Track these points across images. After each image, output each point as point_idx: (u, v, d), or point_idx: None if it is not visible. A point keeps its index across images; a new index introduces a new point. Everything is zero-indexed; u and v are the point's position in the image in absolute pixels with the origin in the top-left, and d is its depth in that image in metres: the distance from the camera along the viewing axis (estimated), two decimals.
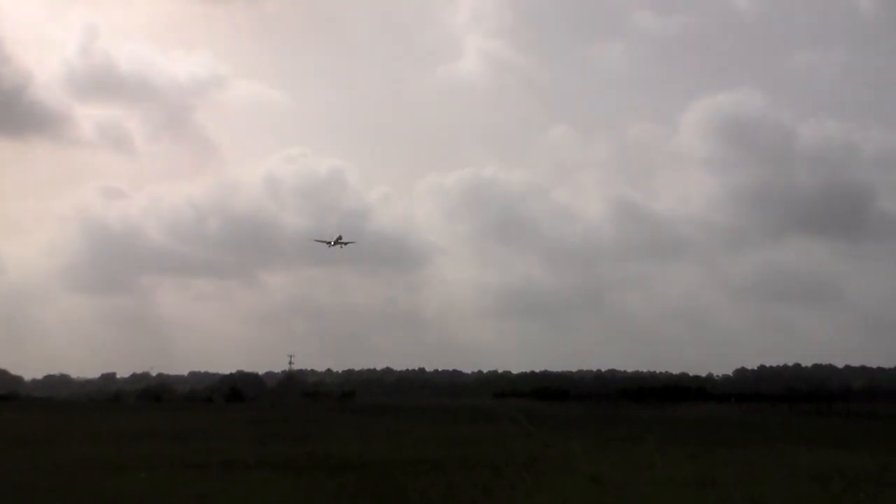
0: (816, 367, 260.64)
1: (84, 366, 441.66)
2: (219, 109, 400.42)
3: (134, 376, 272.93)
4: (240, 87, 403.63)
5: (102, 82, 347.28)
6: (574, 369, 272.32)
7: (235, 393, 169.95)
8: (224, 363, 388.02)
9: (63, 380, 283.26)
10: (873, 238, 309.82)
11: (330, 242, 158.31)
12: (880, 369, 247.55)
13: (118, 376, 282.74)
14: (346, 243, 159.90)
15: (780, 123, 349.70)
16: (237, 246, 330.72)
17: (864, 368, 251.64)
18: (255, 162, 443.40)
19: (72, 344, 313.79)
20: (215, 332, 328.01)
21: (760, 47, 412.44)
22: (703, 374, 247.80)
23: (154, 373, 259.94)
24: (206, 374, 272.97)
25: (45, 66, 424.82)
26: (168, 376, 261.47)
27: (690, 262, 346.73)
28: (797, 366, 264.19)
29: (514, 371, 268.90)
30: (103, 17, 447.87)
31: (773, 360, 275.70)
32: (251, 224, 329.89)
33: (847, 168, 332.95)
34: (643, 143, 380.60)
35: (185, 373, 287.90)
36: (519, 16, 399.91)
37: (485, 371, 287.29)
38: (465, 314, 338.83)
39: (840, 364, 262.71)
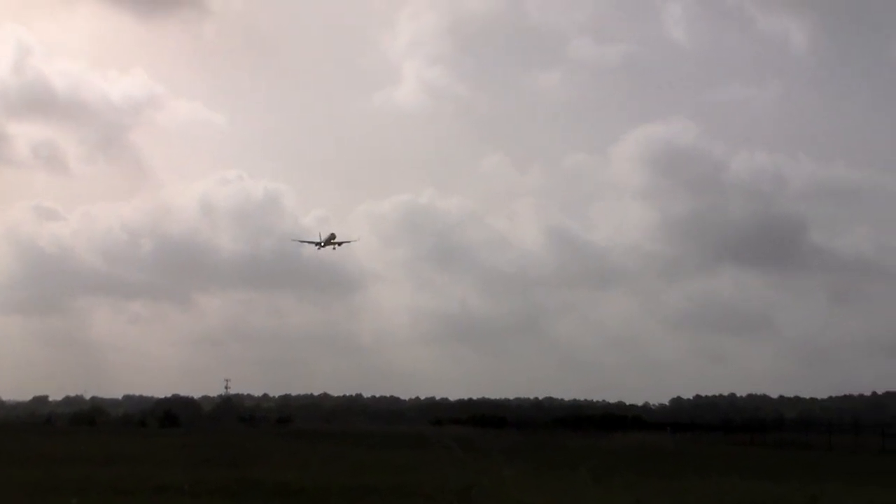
0: (751, 396, 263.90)
1: (15, 388, 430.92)
2: (154, 130, 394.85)
3: (67, 399, 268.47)
4: (176, 108, 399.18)
5: (36, 101, 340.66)
6: (511, 397, 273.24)
7: (170, 417, 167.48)
8: (159, 387, 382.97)
9: None
10: (805, 269, 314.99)
11: (319, 243, 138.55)
12: (813, 399, 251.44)
13: (50, 399, 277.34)
14: (340, 243, 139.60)
15: (712, 155, 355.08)
16: (172, 268, 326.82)
17: (797, 399, 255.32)
18: (191, 183, 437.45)
19: (2, 366, 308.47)
20: (150, 356, 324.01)
21: (694, 79, 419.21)
22: (640, 402, 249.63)
23: (87, 396, 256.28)
24: (141, 398, 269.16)
25: None
26: (102, 400, 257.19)
27: (626, 291, 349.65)
28: (732, 395, 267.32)
29: (452, 398, 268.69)
30: (36, 36, 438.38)
31: (709, 389, 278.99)
32: (186, 246, 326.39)
33: (778, 200, 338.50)
34: (578, 173, 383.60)
35: (120, 396, 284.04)
36: (457, 43, 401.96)
37: (422, 398, 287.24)
38: (403, 340, 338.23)
39: (774, 394, 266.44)
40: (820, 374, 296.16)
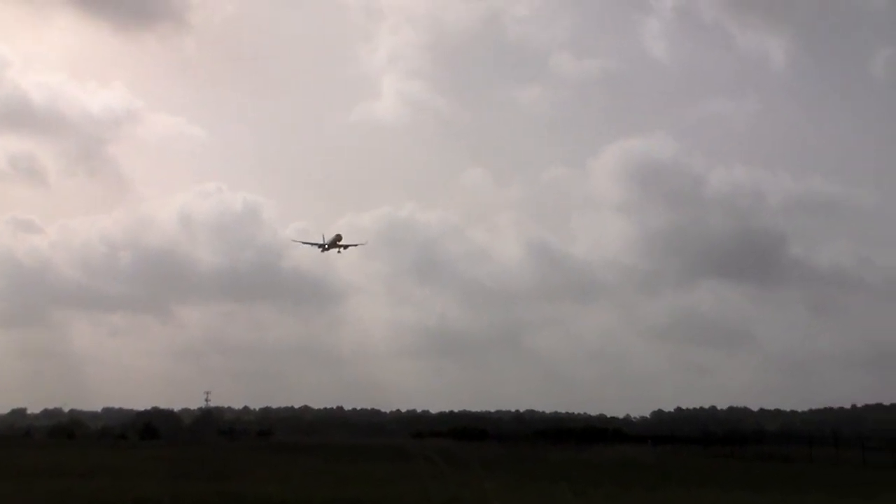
0: (732, 409, 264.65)
1: None
2: (133, 143, 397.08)
3: (45, 412, 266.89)
4: (155, 121, 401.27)
5: (14, 114, 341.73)
6: (493, 409, 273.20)
7: (150, 430, 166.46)
8: (139, 399, 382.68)
9: None
10: (783, 283, 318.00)
11: (323, 245, 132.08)
12: (794, 412, 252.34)
13: (29, 412, 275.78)
14: (346, 246, 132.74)
15: (691, 169, 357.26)
16: (152, 280, 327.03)
17: (777, 411, 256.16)
18: (170, 196, 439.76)
19: None
20: (130, 368, 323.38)
21: (674, 94, 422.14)
22: (621, 415, 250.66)
23: (66, 409, 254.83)
24: (121, 411, 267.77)
25: None
26: (81, 412, 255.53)
27: (606, 304, 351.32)
28: (713, 408, 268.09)
29: (433, 411, 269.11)
30: (15, 49, 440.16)
31: (690, 402, 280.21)
32: (166, 258, 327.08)
33: (757, 214, 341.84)
34: (558, 186, 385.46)
35: (99, 409, 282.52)
36: (437, 58, 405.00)
37: (403, 410, 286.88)
38: (384, 353, 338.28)
39: (755, 407, 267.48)
40: (800, 386, 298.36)
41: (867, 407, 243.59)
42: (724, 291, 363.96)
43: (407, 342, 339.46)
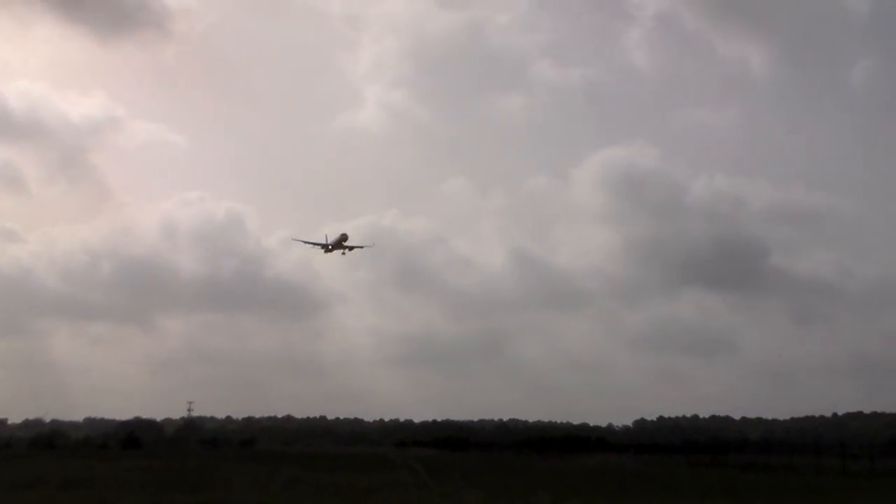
0: (714, 418, 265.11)
1: None
2: (115, 152, 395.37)
3: (26, 422, 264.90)
4: (136, 130, 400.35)
5: None
6: (475, 419, 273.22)
7: (132, 440, 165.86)
8: (121, 409, 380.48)
9: None
10: (765, 292, 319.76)
11: (327, 246, 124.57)
12: (775, 421, 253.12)
13: (9, 422, 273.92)
14: (351, 248, 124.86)
15: (673, 178, 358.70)
16: (134, 290, 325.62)
17: (759, 420, 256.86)
18: (152, 205, 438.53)
19: None
20: (112, 378, 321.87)
21: (655, 103, 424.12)
22: (604, 424, 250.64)
23: (48, 419, 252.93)
24: (103, 421, 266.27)
25: None
26: (62, 422, 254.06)
27: (589, 313, 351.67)
28: (695, 417, 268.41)
29: (416, 420, 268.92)
30: None
31: (672, 411, 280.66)
32: (148, 268, 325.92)
33: (738, 223, 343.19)
34: (540, 195, 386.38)
35: (81, 419, 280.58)
36: (419, 67, 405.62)
37: (386, 419, 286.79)
38: (367, 362, 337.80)
39: (737, 415, 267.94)
40: (781, 395, 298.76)
41: (848, 415, 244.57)
42: (706, 300, 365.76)
43: (390, 351, 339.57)
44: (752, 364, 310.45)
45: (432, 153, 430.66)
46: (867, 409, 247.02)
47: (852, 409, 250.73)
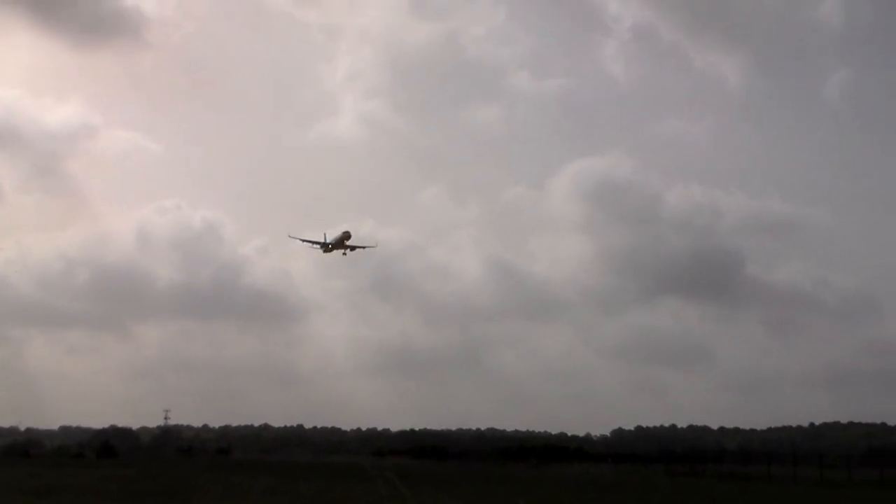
0: (691, 427, 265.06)
1: None
2: (91, 159, 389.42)
3: (1, 431, 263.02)
4: (112, 137, 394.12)
5: None
6: (453, 428, 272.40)
7: (108, 448, 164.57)
8: (97, 418, 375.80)
9: None
10: (741, 302, 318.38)
11: (327, 245, 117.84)
12: (753, 430, 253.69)
13: None
14: (353, 248, 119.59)
15: (648, 188, 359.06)
16: (109, 298, 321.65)
17: (737, 430, 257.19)
18: (128, 213, 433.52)
19: None
20: (87, 386, 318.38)
21: (631, 114, 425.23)
22: (582, 433, 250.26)
23: (22, 427, 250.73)
24: (78, 429, 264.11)
25: None
26: (37, 431, 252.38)
27: (566, 323, 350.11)
28: (673, 426, 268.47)
29: (394, 429, 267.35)
30: None
31: (650, 420, 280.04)
32: (124, 275, 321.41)
33: (714, 233, 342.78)
34: (516, 205, 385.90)
35: (56, 427, 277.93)
36: (396, 76, 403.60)
37: (364, 429, 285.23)
38: (344, 371, 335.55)
39: (714, 425, 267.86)
40: (759, 405, 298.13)
41: (825, 425, 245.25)
42: (683, 310, 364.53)
43: (367, 360, 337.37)
44: (729, 374, 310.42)
45: (409, 163, 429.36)
46: (844, 419, 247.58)
47: (829, 419, 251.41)
